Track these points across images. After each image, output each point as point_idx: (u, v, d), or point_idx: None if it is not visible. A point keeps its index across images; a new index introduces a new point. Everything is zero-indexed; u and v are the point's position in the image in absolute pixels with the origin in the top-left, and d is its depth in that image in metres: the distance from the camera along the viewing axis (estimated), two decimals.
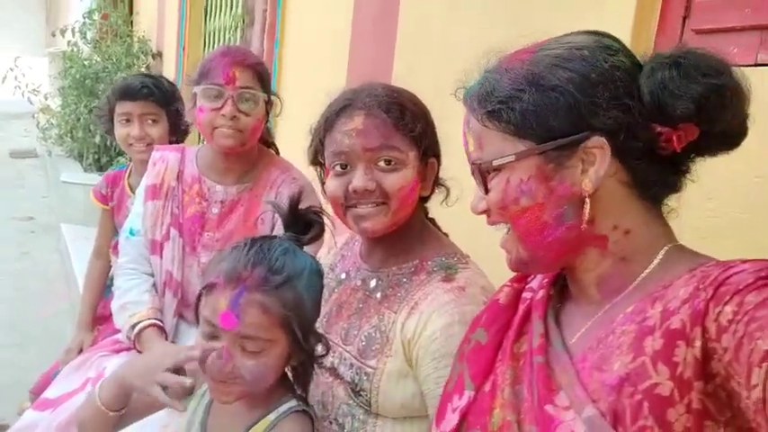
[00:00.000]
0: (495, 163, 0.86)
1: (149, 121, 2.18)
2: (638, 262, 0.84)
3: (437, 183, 1.30)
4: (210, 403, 1.20)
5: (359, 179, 1.19)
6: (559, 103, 0.82)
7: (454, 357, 1.04)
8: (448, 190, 1.31)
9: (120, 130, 2.20)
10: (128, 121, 2.19)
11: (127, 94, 2.17)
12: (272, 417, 1.11)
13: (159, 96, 2.19)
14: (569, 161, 0.83)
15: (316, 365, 1.19)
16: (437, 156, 1.28)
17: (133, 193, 2.24)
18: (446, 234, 1.35)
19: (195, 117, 1.77)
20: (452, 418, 0.94)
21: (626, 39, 1.32)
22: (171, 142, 2.25)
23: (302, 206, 1.18)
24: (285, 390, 1.15)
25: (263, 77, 1.78)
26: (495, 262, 1.01)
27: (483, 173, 0.88)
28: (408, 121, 1.20)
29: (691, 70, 0.79)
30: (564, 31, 0.92)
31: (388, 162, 1.20)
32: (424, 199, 1.30)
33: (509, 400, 0.88)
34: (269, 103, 1.82)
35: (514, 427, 0.86)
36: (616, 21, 1.35)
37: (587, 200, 0.82)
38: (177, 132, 2.27)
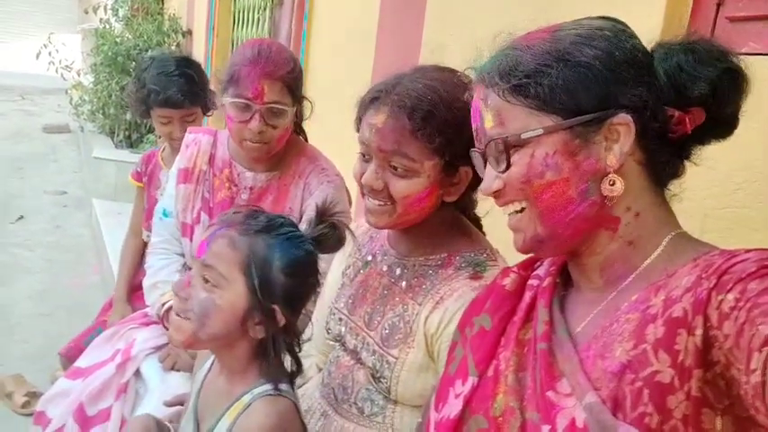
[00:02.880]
0: (524, 136, 0.85)
1: (188, 120, 2.27)
2: (643, 247, 0.85)
3: (473, 189, 1.22)
4: (201, 387, 1.22)
5: (368, 176, 1.19)
6: (588, 78, 0.83)
7: (456, 338, 1.04)
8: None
9: (161, 128, 2.31)
10: (168, 122, 2.27)
11: (167, 103, 2.23)
12: (246, 398, 1.12)
13: (197, 100, 2.28)
14: (595, 137, 0.83)
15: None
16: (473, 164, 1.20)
17: (166, 165, 2.33)
18: (483, 233, 1.32)
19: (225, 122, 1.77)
20: (456, 404, 0.94)
21: (658, 26, 1.30)
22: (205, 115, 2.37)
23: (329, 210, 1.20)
24: (262, 373, 1.14)
25: (292, 87, 1.71)
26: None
27: (507, 148, 0.87)
28: (431, 130, 1.13)
29: (704, 55, 0.83)
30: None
31: (398, 168, 1.16)
32: (460, 198, 1.23)
33: (512, 387, 0.88)
34: (300, 104, 1.79)
35: (517, 413, 0.86)
36: (648, 8, 1.33)
37: (614, 176, 0.83)
38: (210, 109, 2.37)
